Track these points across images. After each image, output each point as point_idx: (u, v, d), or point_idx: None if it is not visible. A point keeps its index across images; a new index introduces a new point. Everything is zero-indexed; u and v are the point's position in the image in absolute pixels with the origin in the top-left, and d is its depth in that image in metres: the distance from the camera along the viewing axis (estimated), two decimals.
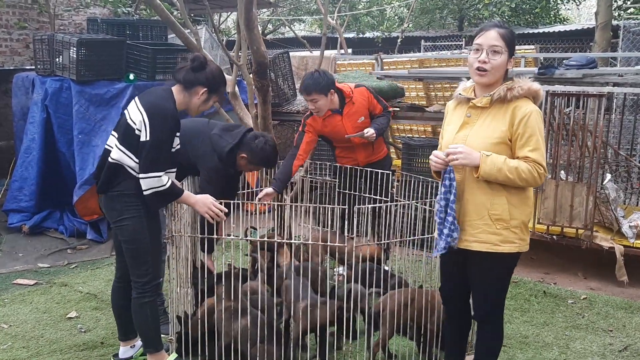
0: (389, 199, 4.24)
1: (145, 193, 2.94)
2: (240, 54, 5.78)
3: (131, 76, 5.79)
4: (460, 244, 2.70)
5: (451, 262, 2.86)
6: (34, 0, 8.39)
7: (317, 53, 11.02)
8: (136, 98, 3.07)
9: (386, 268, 4.21)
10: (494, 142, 2.60)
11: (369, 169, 4.38)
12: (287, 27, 17.95)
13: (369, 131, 4.23)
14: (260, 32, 19.00)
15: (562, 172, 5.07)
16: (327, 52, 10.81)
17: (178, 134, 3.04)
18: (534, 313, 4.28)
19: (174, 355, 3.28)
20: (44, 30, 8.45)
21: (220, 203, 3.19)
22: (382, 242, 3.90)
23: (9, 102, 6.71)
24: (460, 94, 2.83)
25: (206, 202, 3.17)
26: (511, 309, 4.32)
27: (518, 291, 4.67)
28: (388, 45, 15.54)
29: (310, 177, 5.25)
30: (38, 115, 5.81)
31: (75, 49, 5.57)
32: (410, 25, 17.42)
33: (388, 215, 3.85)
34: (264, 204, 4.33)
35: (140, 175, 2.92)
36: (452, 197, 2.62)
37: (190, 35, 5.81)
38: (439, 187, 2.69)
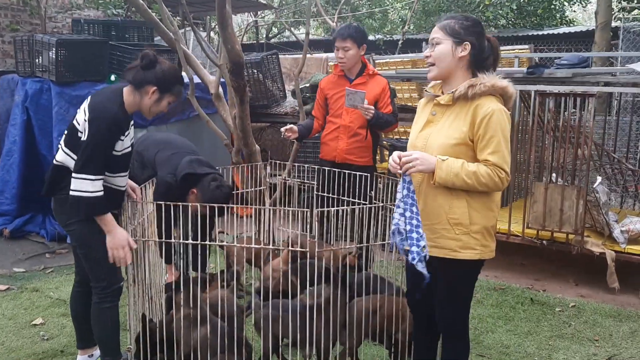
0: (367, 202, 4.07)
1: (71, 193, 2.76)
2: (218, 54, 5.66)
3: (112, 77, 5.67)
4: None
5: (415, 268, 2.70)
6: (24, 2, 8.33)
7: (317, 55, 10.91)
8: (89, 97, 2.95)
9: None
10: (453, 143, 2.43)
11: (347, 171, 4.21)
12: (287, 30, 17.83)
13: (370, 107, 4.15)
14: (265, 35, 18.82)
15: (554, 174, 4.90)
16: (322, 54, 10.75)
17: (123, 137, 2.88)
18: (519, 322, 4.10)
19: None
20: (36, 32, 8.39)
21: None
22: (354, 246, 3.74)
23: None
24: (426, 90, 2.69)
25: (120, 240, 2.87)
26: (495, 317, 4.15)
27: (504, 298, 4.50)
28: (390, 48, 15.37)
29: (295, 180, 5.11)
30: (19, 117, 5.71)
31: (54, 49, 5.46)
32: (412, 27, 17.23)
33: (365, 218, 3.68)
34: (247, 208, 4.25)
35: (73, 175, 2.78)
36: (412, 207, 2.40)
37: (183, 37, 5.71)
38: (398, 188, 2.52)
